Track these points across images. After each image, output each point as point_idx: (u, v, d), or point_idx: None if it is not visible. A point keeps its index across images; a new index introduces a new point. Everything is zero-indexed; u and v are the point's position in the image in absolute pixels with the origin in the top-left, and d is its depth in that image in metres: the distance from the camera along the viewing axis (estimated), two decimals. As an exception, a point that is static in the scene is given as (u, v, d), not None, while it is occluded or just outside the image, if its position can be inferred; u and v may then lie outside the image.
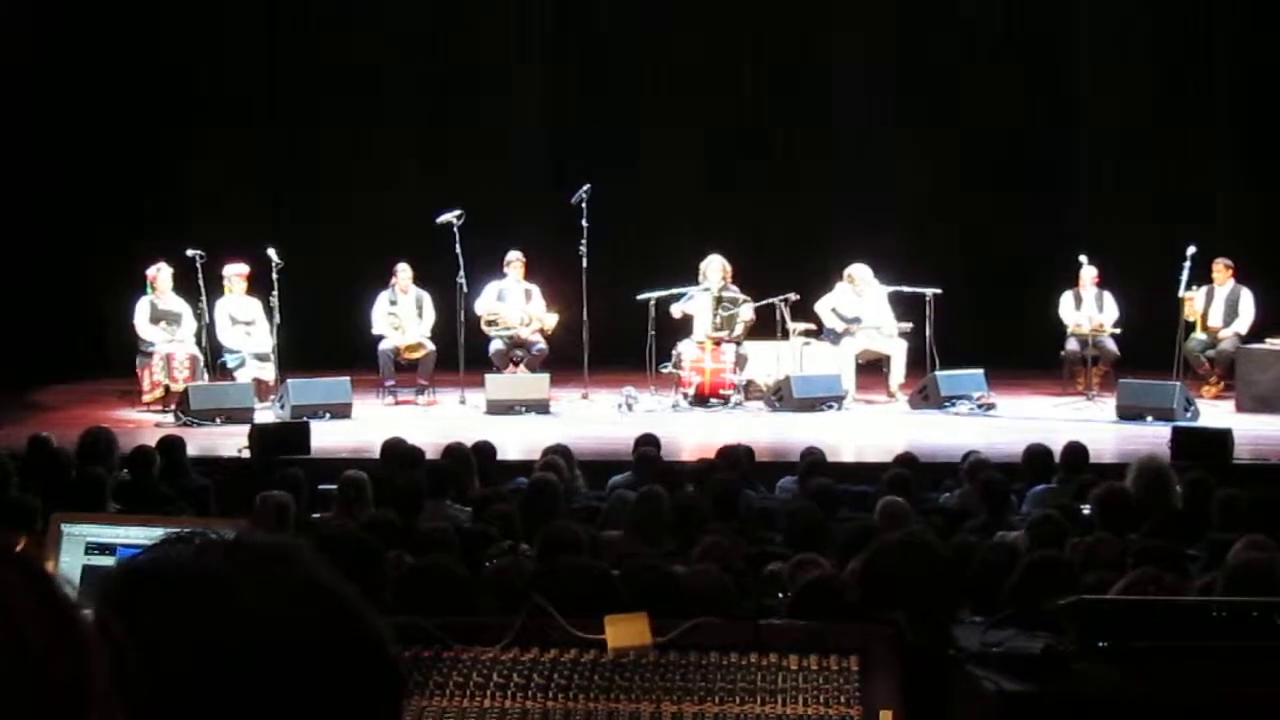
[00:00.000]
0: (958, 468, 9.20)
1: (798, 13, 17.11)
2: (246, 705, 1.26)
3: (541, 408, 13.23)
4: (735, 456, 9.22)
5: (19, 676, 1.11)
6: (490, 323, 14.09)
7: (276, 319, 13.55)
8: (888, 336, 14.16)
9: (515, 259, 14.28)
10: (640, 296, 13.85)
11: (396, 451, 9.30)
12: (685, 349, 13.80)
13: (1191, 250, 13.59)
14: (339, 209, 16.78)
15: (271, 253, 13.50)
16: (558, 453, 9.19)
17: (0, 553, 1.17)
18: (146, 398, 13.36)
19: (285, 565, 1.32)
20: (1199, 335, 14.16)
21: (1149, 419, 12.48)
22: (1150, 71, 16.97)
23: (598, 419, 13.06)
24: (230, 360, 13.66)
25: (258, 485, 7.82)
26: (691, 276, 14.16)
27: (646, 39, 17.18)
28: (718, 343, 13.76)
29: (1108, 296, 14.37)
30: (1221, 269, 14.18)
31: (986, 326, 15.56)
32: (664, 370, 13.80)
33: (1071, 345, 14.31)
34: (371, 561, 5.19)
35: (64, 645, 1.14)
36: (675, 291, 14.04)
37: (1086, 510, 7.31)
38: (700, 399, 13.62)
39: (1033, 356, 15.06)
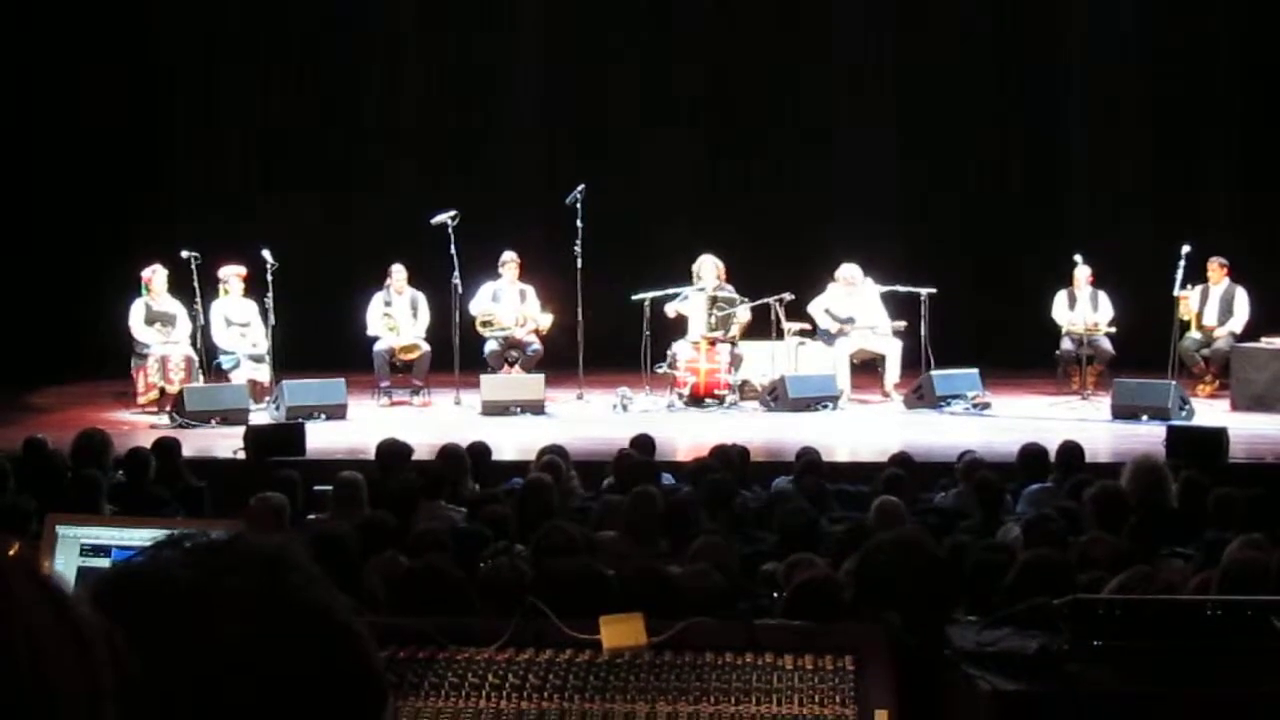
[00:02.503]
0: (953, 467, 9.20)
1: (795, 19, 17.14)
2: (224, 716, 1.25)
3: (537, 408, 13.23)
4: (728, 456, 9.21)
5: (35, 691, 1.12)
6: (485, 324, 14.08)
7: (271, 320, 13.55)
8: (882, 336, 14.16)
9: (510, 260, 14.27)
10: (635, 297, 13.85)
11: (392, 452, 9.30)
12: (680, 349, 13.80)
13: (1186, 249, 13.60)
14: (334, 210, 16.78)
15: (266, 254, 13.50)
16: (555, 453, 9.18)
17: (20, 568, 1.17)
18: (142, 399, 13.35)
19: (268, 572, 1.31)
20: (1194, 334, 14.16)
21: (1144, 418, 12.49)
22: (1147, 70, 16.98)
23: (593, 419, 13.06)
24: (225, 362, 13.65)
25: (253, 487, 7.81)
26: (687, 276, 14.16)
27: (645, 39, 17.17)
28: (713, 343, 13.76)
29: (1102, 296, 14.37)
30: (1216, 268, 14.18)
31: (981, 326, 15.56)
32: (659, 370, 13.80)
33: (1066, 344, 14.32)
34: (347, 561, 5.20)
35: (78, 661, 1.15)
36: (670, 292, 14.04)
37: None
38: (695, 399, 13.62)
39: (1028, 356, 15.05)
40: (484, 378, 13.49)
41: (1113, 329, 14.27)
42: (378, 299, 14.14)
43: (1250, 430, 12.06)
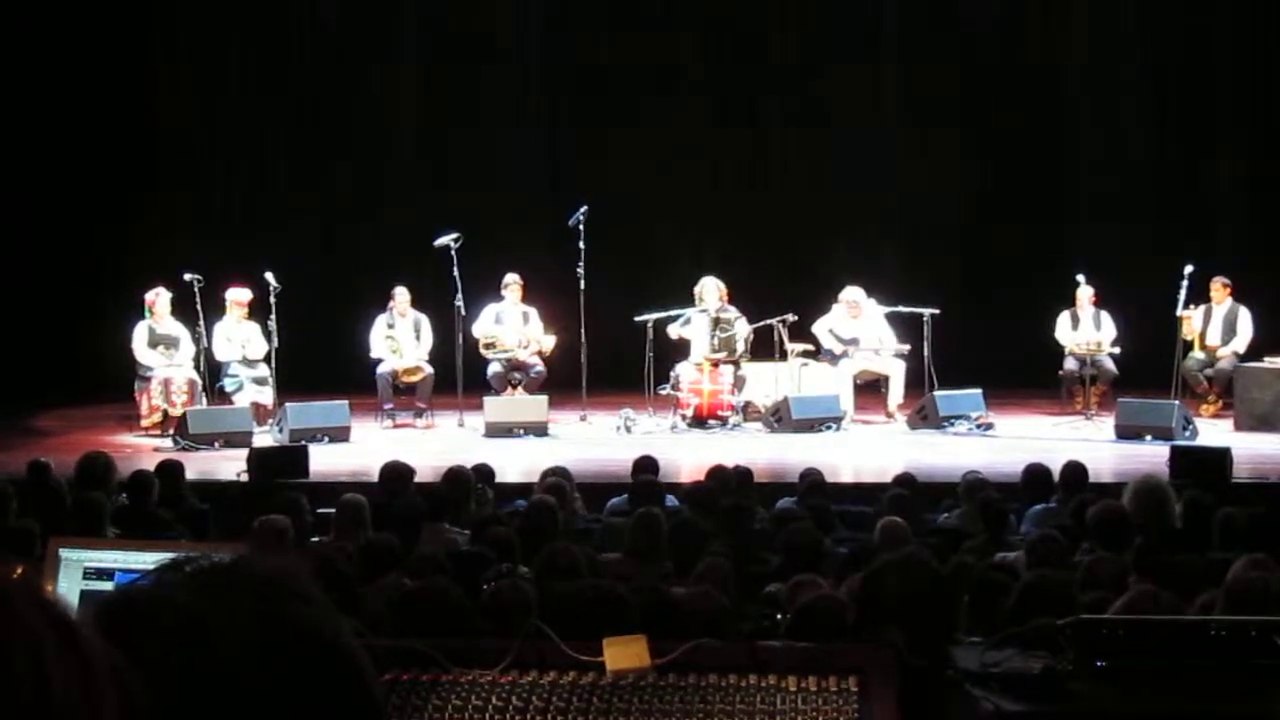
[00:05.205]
0: (956, 488, 9.18)
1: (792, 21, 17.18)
2: None
3: (540, 430, 13.22)
4: (726, 477, 9.19)
5: (40, 715, 1.12)
6: (488, 345, 14.09)
7: (275, 342, 13.56)
8: (886, 357, 14.16)
9: (513, 281, 14.28)
10: (638, 318, 13.86)
11: (395, 475, 9.30)
12: (683, 370, 13.79)
13: (1189, 269, 13.61)
14: (337, 232, 16.81)
15: (269, 276, 13.52)
16: (559, 474, 9.18)
17: (24, 591, 1.17)
18: (145, 422, 13.35)
19: (269, 596, 1.31)
20: (1197, 354, 14.15)
21: (1148, 438, 12.47)
22: (1149, 88, 17.01)
23: (596, 441, 13.05)
24: (228, 384, 13.65)
25: (256, 509, 7.80)
26: (689, 298, 14.17)
27: (646, 56, 17.19)
28: (715, 364, 13.75)
29: (1105, 316, 14.37)
30: (1219, 288, 14.18)
31: (985, 346, 15.55)
32: (662, 392, 13.79)
33: (1070, 364, 14.31)
34: (349, 584, 5.20)
35: (83, 685, 1.15)
36: (673, 313, 14.04)
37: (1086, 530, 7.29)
38: (698, 420, 13.61)
39: (1031, 376, 15.04)
40: (487, 399, 13.50)
41: (1116, 349, 14.27)
42: (381, 321, 14.14)
43: (1254, 450, 12.04)
